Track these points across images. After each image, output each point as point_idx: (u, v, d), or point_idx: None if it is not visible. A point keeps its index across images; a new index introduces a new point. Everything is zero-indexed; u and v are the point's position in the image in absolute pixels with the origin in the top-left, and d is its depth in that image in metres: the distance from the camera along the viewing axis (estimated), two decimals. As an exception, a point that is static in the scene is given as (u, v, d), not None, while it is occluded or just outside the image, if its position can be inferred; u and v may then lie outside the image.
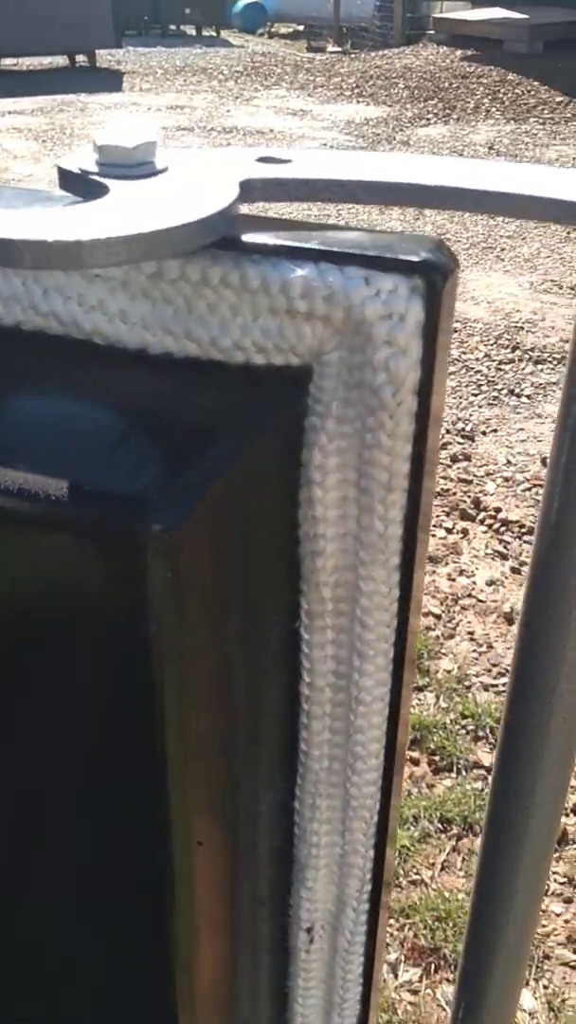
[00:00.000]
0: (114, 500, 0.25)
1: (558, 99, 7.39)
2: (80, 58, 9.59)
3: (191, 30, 13.73)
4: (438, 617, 2.17)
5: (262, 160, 0.31)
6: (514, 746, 0.41)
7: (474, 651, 2.06)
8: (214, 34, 13.51)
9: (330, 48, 11.51)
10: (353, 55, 10.32)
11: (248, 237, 0.28)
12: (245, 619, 0.30)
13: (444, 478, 2.57)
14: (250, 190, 0.29)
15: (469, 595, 2.22)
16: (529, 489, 2.57)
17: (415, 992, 1.44)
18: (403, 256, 0.27)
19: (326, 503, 0.31)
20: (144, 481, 0.26)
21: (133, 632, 0.26)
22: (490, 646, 2.08)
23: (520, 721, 0.40)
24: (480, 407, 2.93)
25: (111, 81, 8.73)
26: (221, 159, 0.31)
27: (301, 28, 13.94)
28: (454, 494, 2.56)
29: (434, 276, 0.27)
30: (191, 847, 0.30)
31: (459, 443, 2.77)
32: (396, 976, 1.45)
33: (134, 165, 0.29)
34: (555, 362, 3.22)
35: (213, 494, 0.26)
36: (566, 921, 1.54)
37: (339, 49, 11.32)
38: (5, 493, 0.26)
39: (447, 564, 2.33)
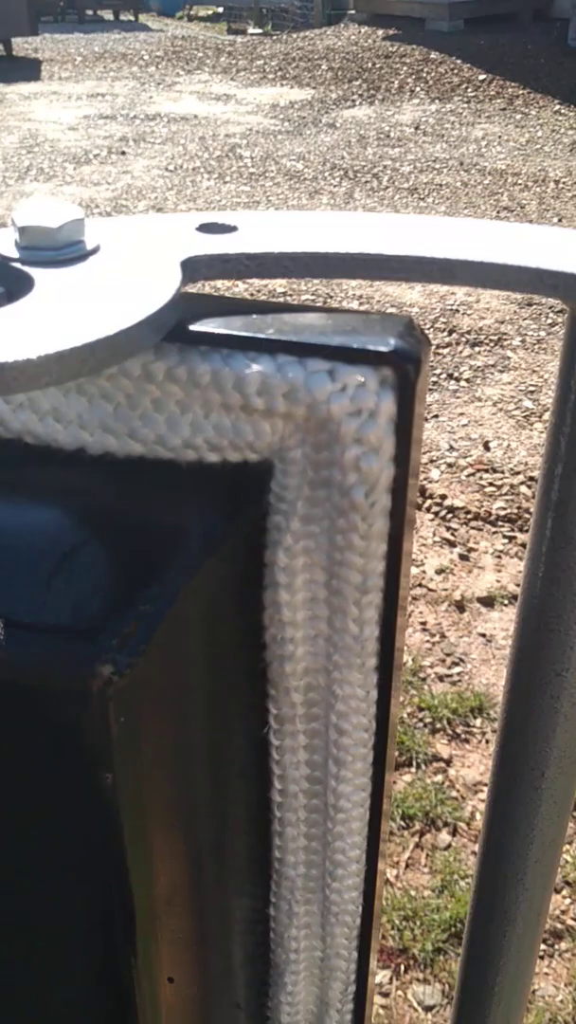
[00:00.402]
0: (55, 640, 0.22)
1: (481, 77, 7.42)
2: (-5, 46, 9.35)
3: (108, 15, 13.47)
4: (390, 610, 2.17)
5: (204, 228, 0.27)
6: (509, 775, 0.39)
7: (427, 641, 2.06)
8: (132, 18, 13.28)
9: (251, 30, 11.40)
10: (275, 37, 10.23)
11: (195, 324, 0.25)
12: (209, 734, 0.28)
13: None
14: (194, 270, 0.26)
15: (419, 584, 2.22)
16: (473, 475, 2.58)
17: (386, 995, 1.44)
18: (371, 346, 0.24)
19: (294, 606, 0.29)
20: (88, 613, 0.23)
21: (87, 781, 0.23)
22: (443, 635, 2.08)
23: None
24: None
25: (29, 70, 8.53)
26: (158, 232, 0.27)
27: (220, 10, 13.78)
28: (399, 484, 2.56)
29: (406, 366, 0.24)
30: (160, 985, 0.28)
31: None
32: (368, 980, 1.44)
33: (61, 247, 0.25)
34: (492, 344, 3.23)
35: (168, 619, 0.24)
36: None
37: (260, 31, 11.22)
38: None
39: (396, 555, 2.32)
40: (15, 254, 0.25)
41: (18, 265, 0.25)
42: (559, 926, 1.51)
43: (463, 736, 1.81)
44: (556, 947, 1.48)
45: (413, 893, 1.55)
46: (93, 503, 0.26)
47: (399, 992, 1.46)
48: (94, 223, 0.27)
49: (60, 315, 0.22)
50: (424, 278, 0.26)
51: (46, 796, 0.25)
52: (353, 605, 0.28)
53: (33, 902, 0.27)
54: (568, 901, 1.54)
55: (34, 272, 0.25)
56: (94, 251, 0.26)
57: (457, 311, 3.47)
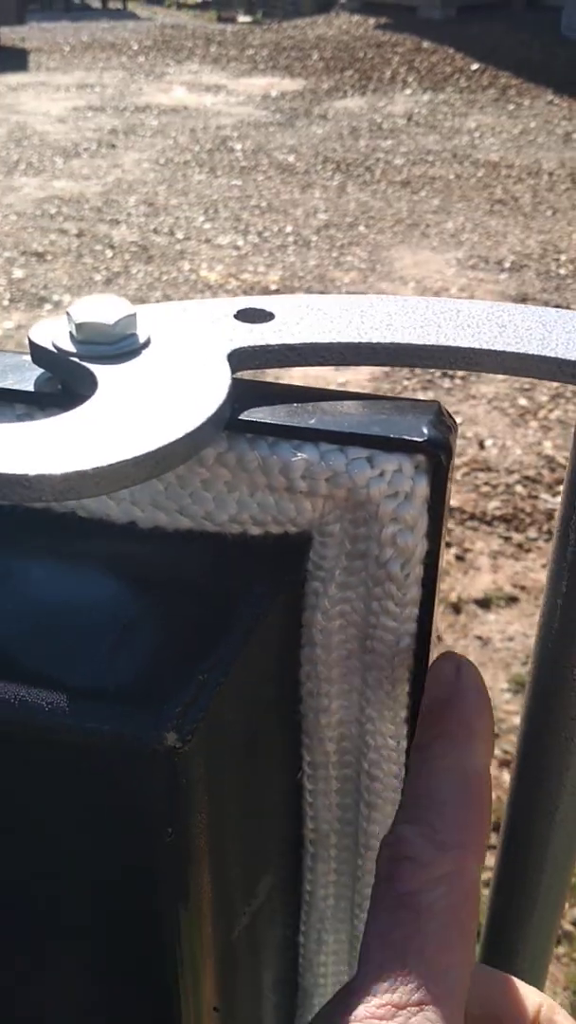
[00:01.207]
0: (122, 709, 0.24)
1: (473, 67, 7.40)
2: (-17, 36, 9.28)
3: (96, 2, 13.39)
4: (386, 612, 2.17)
5: (242, 316, 0.29)
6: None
7: (424, 644, 2.07)
8: (120, 6, 13.20)
9: (241, 18, 11.34)
10: (265, 26, 10.18)
11: (242, 413, 0.26)
12: (247, 779, 0.30)
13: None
14: (239, 361, 0.27)
15: (416, 586, 2.22)
16: (468, 474, 2.58)
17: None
18: (406, 435, 0.26)
19: (329, 663, 0.31)
20: (151, 682, 0.24)
21: (149, 838, 0.25)
22: (439, 638, 2.08)
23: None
24: (414, 391, 2.93)
25: (16, 60, 8.47)
26: (200, 320, 0.28)
27: (210, -3, 13.71)
28: (395, 483, 2.56)
29: (438, 453, 0.26)
30: (206, 1015, 0.29)
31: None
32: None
33: (116, 342, 0.27)
34: (486, 341, 3.23)
35: (220, 685, 0.25)
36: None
37: (250, 19, 11.16)
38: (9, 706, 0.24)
39: (392, 556, 2.33)
40: (71, 348, 0.27)
41: (77, 360, 0.26)
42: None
43: (461, 740, 1.81)
44: (555, 952, 1.49)
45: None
46: (145, 574, 0.28)
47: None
48: (140, 310, 0.28)
49: (130, 418, 0.24)
50: (450, 366, 0.27)
51: (107, 853, 0.26)
52: (386, 664, 0.30)
53: (83, 947, 0.29)
54: (566, 905, 1.55)
55: (94, 368, 0.26)
56: (146, 344, 0.27)
57: (451, 307, 3.46)
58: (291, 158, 5.33)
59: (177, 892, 0.26)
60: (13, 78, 7.61)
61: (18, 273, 3.81)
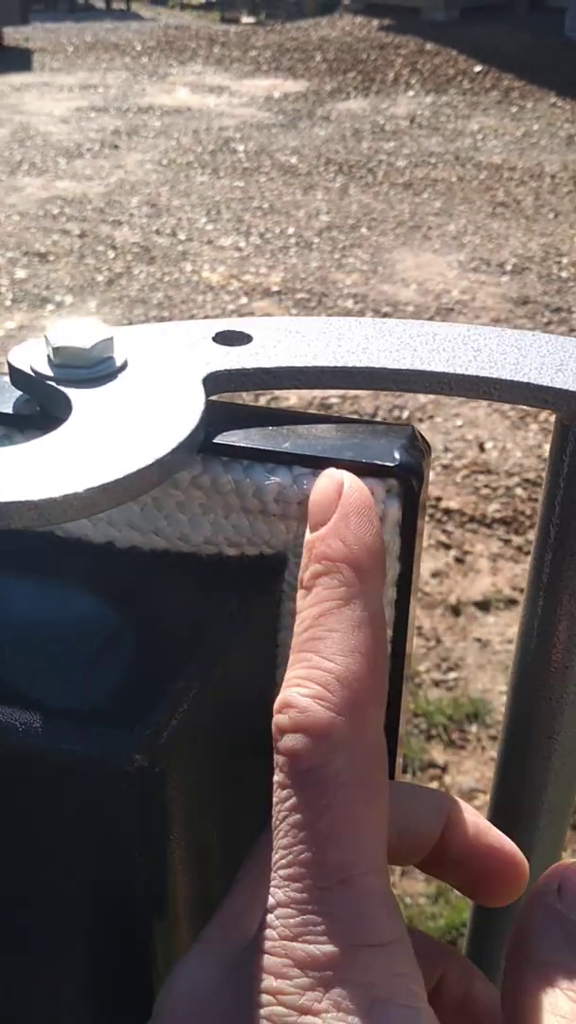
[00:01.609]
0: (95, 728, 0.24)
1: (476, 68, 7.40)
2: (-13, 36, 9.28)
3: (100, 3, 13.39)
4: (385, 614, 2.17)
5: (221, 339, 0.29)
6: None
7: (422, 646, 2.07)
8: (124, 7, 13.20)
9: (244, 19, 11.34)
10: (268, 27, 10.18)
11: (217, 436, 0.27)
12: (224, 794, 0.30)
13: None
14: (214, 384, 0.27)
15: (415, 589, 2.22)
16: (468, 476, 2.58)
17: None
18: (378, 460, 0.26)
19: None
20: (122, 702, 0.25)
21: (123, 854, 0.25)
22: (438, 640, 2.08)
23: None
24: (416, 394, 2.93)
25: (20, 60, 8.48)
26: (178, 343, 0.29)
27: (213, -2, 13.71)
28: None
29: (409, 478, 0.26)
30: None
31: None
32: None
33: (92, 366, 0.27)
34: (487, 344, 3.23)
35: (192, 704, 0.25)
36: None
37: (253, 20, 11.16)
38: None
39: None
40: (48, 371, 0.27)
41: (53, 384, 0.27)
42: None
43: (458, 743, 1.81)
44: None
45: (408, 900, 1.56)
46: (121, 593, 0.28)
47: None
48: (117, 333, 0.28)
49: (101, 444, 0.24)
50: (424, 390, 0.28)
51: (84, 868, 0.26)
52: None
53: (63, 958, 0.29)
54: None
55: (69, 392, 0.26)
56: (122, 368, 0.27)
57: (452, 310, 3.46)
58: (294, 159, 5.33)
59: (153, 904, 0.26)
60: (17, 78, 7.62)
61: (20, 273, 3.82)
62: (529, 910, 0.26)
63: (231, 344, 0.29)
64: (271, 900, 0.22)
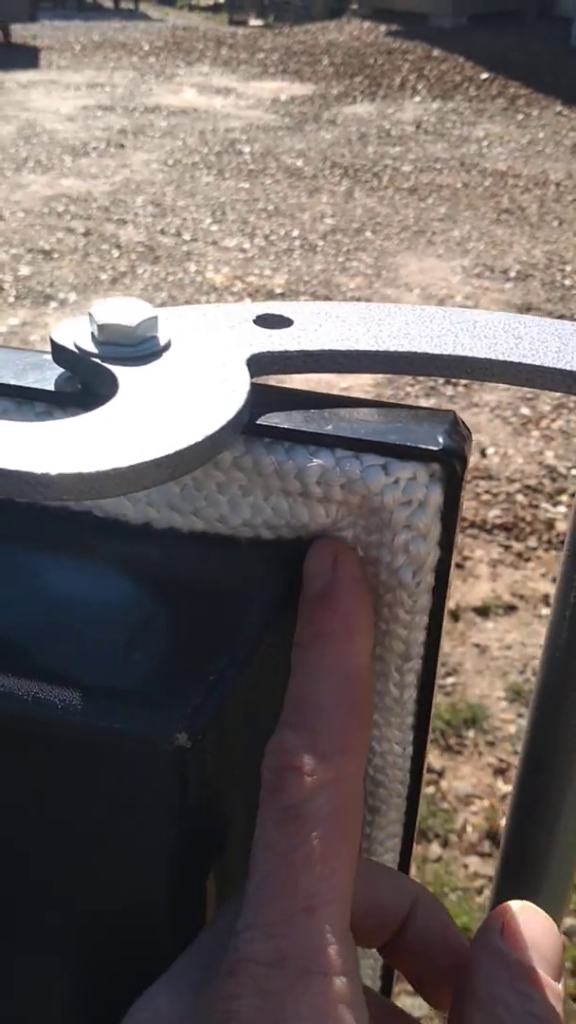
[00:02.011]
0: (135, 708, 0.24)
1: (483, 76, 7.41)
2: (-6, 32, 9.29)
3: (108, 2, 13.41)
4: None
5: (261, 322, 0.29)
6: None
7: (421, 651, 2.06)
8: (132, 7, 13.22)
9: (252, 21, 11.36)
10: (276, 29, 10.20)
11: (259, 418, 0.26)
12: (253, 780, 0.30)
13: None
14: (258, 366, 0.27)
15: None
16: (469, 482, 2.58)
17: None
18: (422, 444, 0.26)
19: None
20: (162, 682, 0.25)
21: (152, 837, 0.26)
22: (437, 645, 2.08)
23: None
24: (417, 397, 2.93)
25: (27, 57, 8.48)
26: (220, 325, 0.29)
27: (222, 0, 13.73)
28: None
29: (453, 462, 0.26)
30: None
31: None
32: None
33: (137, 344, 0.27)
34: (490, 350, 3.23)
35: (229, 686, 0.26)
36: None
37: (261, 22, 11.18)
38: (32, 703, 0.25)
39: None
40: (93, 348, 0.27)
41: (98, 361, 0.26)
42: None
43: (455, 748, 1.81)
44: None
45: (404, 906, 1.56)
46: (159, 574, 0.28)
47: (389, 1005, 1.46)
48: (161, 314, 0.28)
49: (150, 420, 0.24)
50: (467, 376, 0.27)
51: (115, 848, 0.27)
52: (395, 671, 0.30)
53: (86, 939, 0.29)
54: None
55: (115, 369, 0.26)
56: (166, 347, 0.27)
57: (456, 315, 3.47)
58: (299, 162, 5.33)
59: (179, 889, 0.26)
60: (24, 75, 7.62)
61: (24, 270, 3.82)
62: (474, 948, 0.27)
63: (272, 327, 0.29)
64: (241, 923, 0.23)
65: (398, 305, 0.29)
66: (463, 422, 0.28)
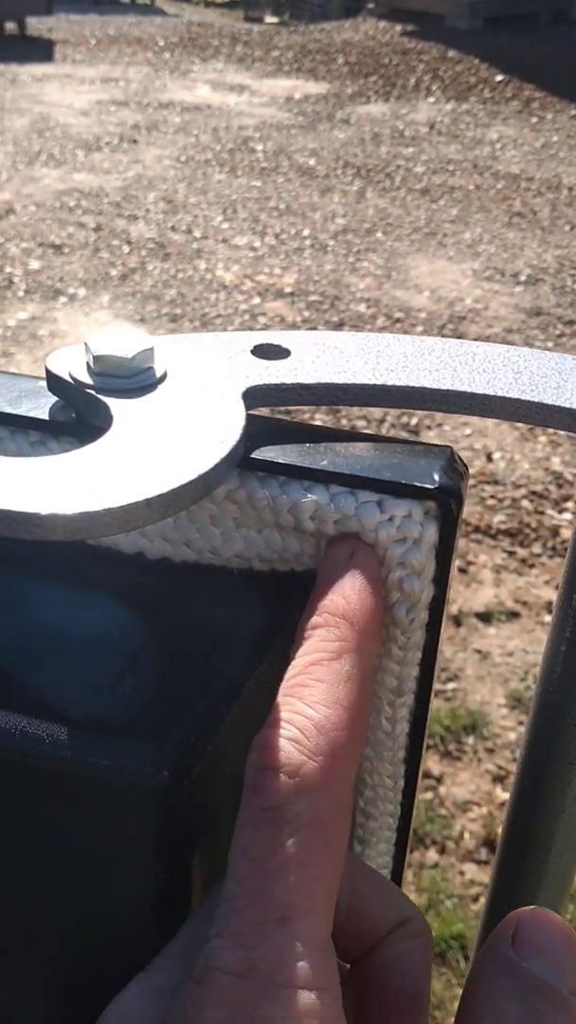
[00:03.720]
0: (123, 742, 0.24)
1: (498, 78, 7.39)
2: (10, 25, 9.29)
3: (125, -4, 13.41)
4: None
5: (259, 352, 0.28)
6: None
7: (423, 655, 2.06)
8: (148, 2, 13.21)
9: (268, 19, 11.34)
10: (292, 27, 10.18)
11: (254, 452, 0.26)
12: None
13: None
14: (253, 399, 0.27)
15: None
16: (474, 487, 2.58)
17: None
18: (417, 481, 0.26)
19: None
20: (152, 716, 0.24)
21: (139, 871, 0.25)
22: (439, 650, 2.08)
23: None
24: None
25: (42, 50, 8.48)
26: (217, 355, 0.28)
27: (238, -4, 13.72)
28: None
29: (448, 500, 0.26)
30: None
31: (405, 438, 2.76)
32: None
33: (132, 376, 0.27)
34: (499, 354, 3.22)
35: (219, 721, 0.25)
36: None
37: (277, 20, 11.16)
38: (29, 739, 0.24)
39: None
40: (88, 379, 0.27)
41: (93, 392, 0.26)
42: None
43: (455, 754, 1.81)
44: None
45: (400, 911, 1.56)
46: (150, 605, 0.28)
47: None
48: (156, 342, 0.28)
49: (144, 456, 0.24)
50: (464, 411, 0.27)
51: (102, 882, 0.26)
52: (387, 705, 0.30)
53: (78, 979, 0.29)
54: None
55: (109, 402, 0.26)
56: (162, 379, 0.27)
57: (464, 318, 3.46)
58: (312, 161, 5.32)
59: (168, 922, 0.26)
60: (39, 69, 7.62)
61: (34, 264, 3.82)
62: (483, 959, 0.25)
63: (269, 358, 0.28)
64: (212, 929, 0.22)
65: (397, 336, 0.29)
66: (460, 458, 0.27)
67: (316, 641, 0.25)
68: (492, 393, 0.27)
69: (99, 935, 0.28)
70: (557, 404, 0.26)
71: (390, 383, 0.27)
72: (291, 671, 0.25)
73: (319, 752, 0.23)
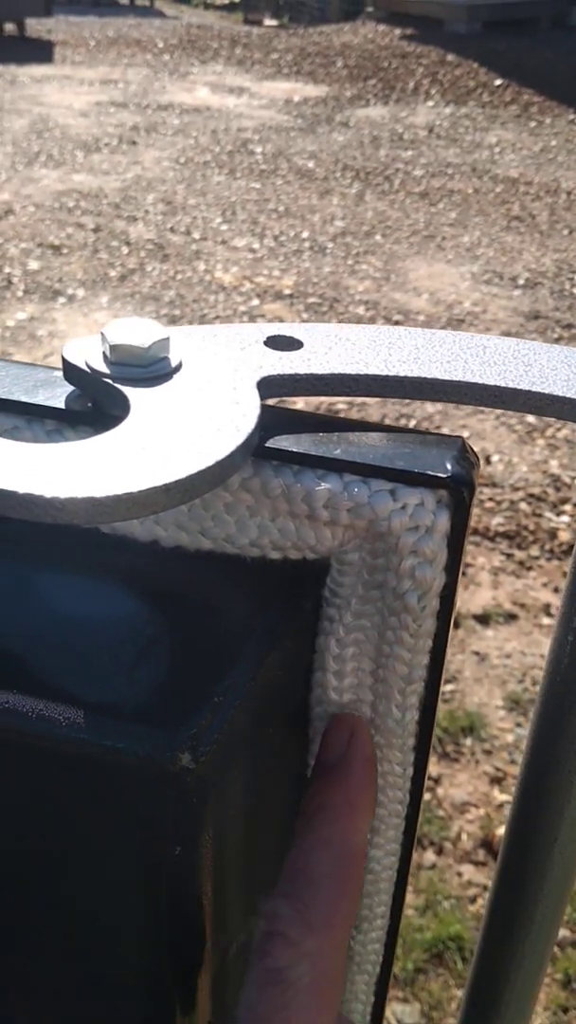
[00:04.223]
0: (139, 728, 0.24)
1: (496, 82, 7.41)
2: (9, 26, 9.30)
3: (124, -2, 13.43)
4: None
5: (272, 343, 0.29)
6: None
7: (421, 657, 2.06)
8: (148, 3, 13.22)
9: (267, 21, 11.36)
10: (291, 30, 10.19)
11: (268, 440, 0.27)
12: (254, 801, 0.30)
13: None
14: (268, 388, 0.27)
15: (415, 599, 2.22)
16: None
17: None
18: (429, 470, 0.26)
19: (341, 690, 0.31)
20: (167, 702, 0.25)
21: (153, 854, 0.26)
22: (436, 652, 2.08)
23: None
24: (424, 404, 2.93)
25: (41, 52, 8.49)
26: (231, 345, 0.29)
27: (237, -1, 13.74)
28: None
29: (460, 489, 0.26)
30: None
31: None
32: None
33: (148, 365, 0.27)
34: (497, 357, 3.23)
35: (234, 707, 0.26)
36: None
37: (276, 23, 11.18)
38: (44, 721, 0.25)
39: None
40: (104, 368, 0.27)
41: (110, 381, 0.27)
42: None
43: (452, 756, 1.81)
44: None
45: (397, 912, 1.56)
46: (165, 592, 0.28)
47: (379, 1011, 1.46)
48: (172, 333, 0.28)
49: (161, 443, 0.24)
50: (476, 402, 0.27)
51: (117, 865, 0.27)
52: (398, 693, 0.30)
53: (92, 962, 0.29)
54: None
55: (126, 390, 0.26)
56: (177, 368, 0.27)
57: (463, 320, 3.47)
58: (311, 164, 5.33)
59: (179, 907, 0.26)
60: (38, 70, 7.63)
61: (33, 265, 3.82)
62: None
63: (282, 349, 0.29)
64: None
65: (408, 328, 0.29)
66: (471, 448, 0.28)
67: (318, 824, 0.28)
68: (504, 385, 0.27)
69: (113, 919, 0.28)
70: (568, 396, 0.27)
71: (402, 374, 0.27)
72: (298, 848, 0.28)
73: (319, 924, 0.26)
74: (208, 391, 0.26)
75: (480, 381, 0.27)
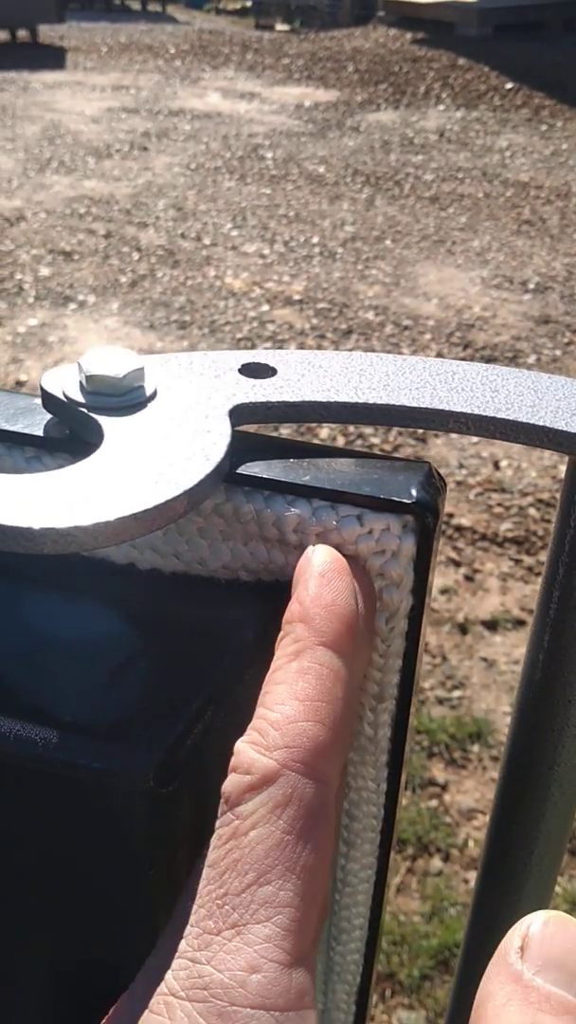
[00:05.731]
0: (112, 745, 0.25)
1: (507, 85, 7.40)
2: (22, 33, 9.35)
3: (136, 4, 13.48)
4: (392, 629, 2.17)
5: (246, 371, 0.30)
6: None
7: (428, 663, 2.06)
8: (160, 9, 13.28)
9: (278, 26, 11.39)
10: (302, 35, 10.22)
11: (239, 467, 0.27)
12: None
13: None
14: (240, 416, 0.28)
15: (423, 604, 2.22)
16: (481, 494, 2.58)
17: (371, 1019, 1.45)
18: (395, 496, 0.27)
19: None
20: (140, 720, 0.25)
21: (127, 872, 0.26)
22: (444, 658, 2.08)
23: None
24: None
25: (54, 58, 8.54)
26: (205, 374, 0.29)
27: (249, 4, 13.77)
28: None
29: (425, 514, 0.27)
30: None
31: (411, 445, 2.77)
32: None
33: (123, 395, 0.28)
34: (506, 361, 3.23)
35: (206, 726, 0.26)
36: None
37: (287, 28, 11.20)
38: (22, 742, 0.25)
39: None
40: (80, 398, 0.28)
41: (85, 411, 0.27)
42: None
43: (460, 762, 1.81)
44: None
45: (403, 918, 1.56)
46: (141, 613, 0.29)
47: (384, 1016, 1.46)
48: (147, 361, 0.29)
49: (132, 472, 0.25)
50: (442, 428, 0.28)
51: (91, 882, 0.27)
52: (369, 711, 0.31)
53: (59, 973, 0.30)
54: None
55: (100, 419, 0.27)
56: (152, 397, 0.28)
57: (473, 326, 3.46)
58: (321, 169, 5.34)
59: (159, 923, 0.27)
60: (50, 76, 7.67)
61: (44, 271, 3.84)
62: (491, 972, 0.22)
63: (256, 376, 0.29)
64: (167, 943, 0.21)
65: (380, 355, 0.30)
66: (438, 473, 0.28)
67: (278, 651, 0.25)
68: (468, 411, 0.28)
69: (92, 934, 0.28)
70: (530, 422, 0.27)
71: (371, 401, 0.28)
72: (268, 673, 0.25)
73: (275, 748, 0.22)
74: (180, 420, 0.27)
75: (445, 408, 0.28)
